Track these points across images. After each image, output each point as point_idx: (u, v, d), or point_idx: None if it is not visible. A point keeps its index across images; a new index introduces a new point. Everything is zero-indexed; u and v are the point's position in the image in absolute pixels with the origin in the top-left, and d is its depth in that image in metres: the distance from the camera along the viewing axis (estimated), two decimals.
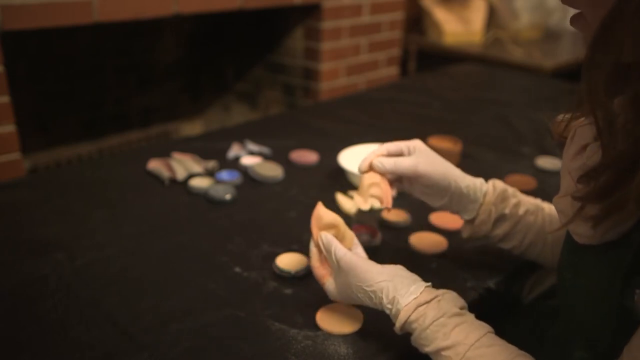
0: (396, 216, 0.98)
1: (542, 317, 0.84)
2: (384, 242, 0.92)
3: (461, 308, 0.63)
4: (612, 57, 0.47)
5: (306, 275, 0.82)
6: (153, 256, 0.87)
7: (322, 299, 0.77)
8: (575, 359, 0.64)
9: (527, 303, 0.94)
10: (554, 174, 1.19)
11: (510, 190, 0.80)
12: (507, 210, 0.78)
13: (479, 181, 0.79)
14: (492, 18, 2.89)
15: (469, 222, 0.80)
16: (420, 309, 0.62)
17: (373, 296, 0.65)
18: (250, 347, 0.68)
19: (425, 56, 2.79)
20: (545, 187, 1.13)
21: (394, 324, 0.64)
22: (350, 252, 0.69)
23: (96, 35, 1.99)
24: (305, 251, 0.87)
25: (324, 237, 0.71)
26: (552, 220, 0.79)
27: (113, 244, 0.89)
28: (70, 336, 0.69)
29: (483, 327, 0.61)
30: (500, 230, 0.79)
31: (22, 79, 1.83)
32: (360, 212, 1.02)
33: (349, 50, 2.17)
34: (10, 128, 1.30)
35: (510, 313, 0.91)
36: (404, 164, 0.77)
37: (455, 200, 0.78)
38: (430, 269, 0.86)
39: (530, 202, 0.80)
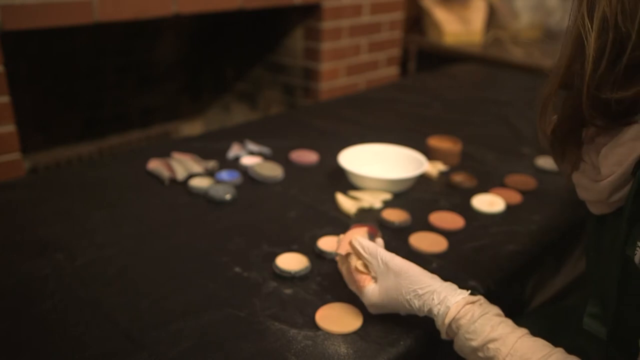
0: (396, 216, 0.98)
1: (542, 318, 0.84)
2: (384, 242, 0.91)
3: (500, 311, 0.66)
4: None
5: (306, 276, 0.82)
6: (153, 256, 0.87)
7: (322, 299, 0.77)
8: (587, 315, 0.66)
9: (531, 307, 0.94)
10: (554, 174, 1.19)
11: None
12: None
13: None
14: (492, 18, 2.88)
15: None
16: (468, 306, 0.65)
17: (425, 297, 0.67)
18: (250, 347, 0.68)
19: (425, 56, 2.79)
20: (545, 187, 1.13)
21: (438, 326, 0.66)
22: (394, 254, 0.71)
23: (96, 35, 1.99)
24: (305, 251, 0.87)
25: (365, 242, 0.72)
26: None
27: (113, 244, 0.89)
28: (70, 336, 0.69)
29: (522, 328, 0.63)
30: None
31: (22, 79, 1.83)
32: (360, 211, 1.02)
33: (349, 50, 2.17)
34: (10, 128, 1.30)
35: (510, 313, 0.91)
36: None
37: None
38: (430, 269, 0.85)
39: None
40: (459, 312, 0.64)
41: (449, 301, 0.65)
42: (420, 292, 0.67)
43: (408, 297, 0.67)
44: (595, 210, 0.62)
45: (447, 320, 0.65)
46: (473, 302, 0.65)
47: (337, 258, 0.78)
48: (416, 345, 0.70)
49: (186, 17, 2.22)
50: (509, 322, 0.63)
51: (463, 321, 0.64)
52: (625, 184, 0.56)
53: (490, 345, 0.61)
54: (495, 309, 0.65)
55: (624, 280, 0.57)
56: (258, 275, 0.82)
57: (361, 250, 0.72)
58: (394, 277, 0.69)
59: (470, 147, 1.31)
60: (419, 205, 1.03)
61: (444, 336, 0.66)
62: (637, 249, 0.53)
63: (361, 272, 0.72)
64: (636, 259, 0.54)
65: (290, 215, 1.00)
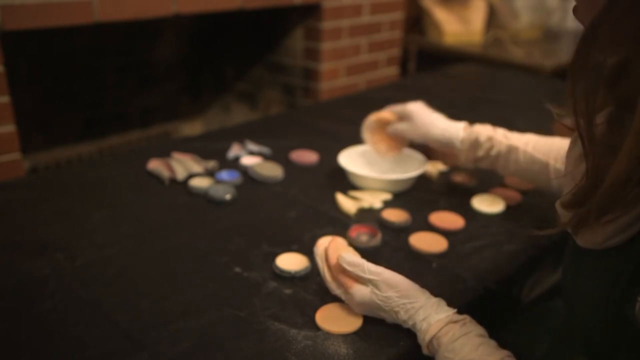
0: (396, 216, 0.98)
1: (542, 318, 0.84)
2: (384, 242, 0.92)
3: (484, 332, 0.65)
4: (599, 59, 0.47)
5: (306, 276, 0.82)
6: (153, 256, 0.87)
7: (322, 299, 0.77)
8: None
9: (527, 303, 0.94)
10: None
11: (484, 137, 0.98)
12: (480, 153, 0.98)
13: (455, 131, 1.00)
14: (492, 18, 2.88)
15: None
16: (450, 325, 0.65)
17: (411, 312, 0.67)
18: (250, 347, 0.68)
19: (425, 56, 2.79)
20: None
21: (420, 341, 0.67)
22: (382, 267, 0.71)
23: (96, 35, 1.99)
24: (305, 251, 0.87)
25: (347, 257, 0.72)
26: (526, 158, 0.94)
27: (113, 244, 0.89)
28: (70, 336, 0.69)
29: (505, 350, 0.63)
30: (483, 165, 1.00)
31: (22, 79, 1.83)
32: (360, 211, 1.02)
33: (349, 50, 2.17)
34: (10, 128, 1.30)
35: (510, 313, 0.91)
36: (399, 128, 1.08)
37: (443, 147, 1.03)
38: (430, 269, 0.86)
39: (504, 144, 0.96)
40: (440, 330, 0.64)
41: (432, 318, 0.66)
42: (408, 306, 0.67)
43: (396, 309, 0.68)
44: (582, 242, 0.57)
45: (427, 337, 0.65)
46: (456, 322, 0.65)
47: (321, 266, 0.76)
48: (416, 346, 0.70)
49: (186, 17, 2.22)
50: (492, 343, 0.63)
51: (444, 339, 0.64)
52: (628, 227, 0.51)
53: None
54: (478, 330, 0.65)
55: (619, 333, 0.55)
56: (258, 275, 0.82)
57: (348, 267, 0.71)
58: (383, 290, 0.69)
59: None
60: (419, 205, 1.03)
61: (425, 351, 0.66)
62: (637, 302, 0.51)
63: (346, 274, 0.72)
64: (636, 310, 0.51)
65: (290, 215, 1.00)
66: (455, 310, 0.67)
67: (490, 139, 0.97)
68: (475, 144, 0.98)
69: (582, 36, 0.48)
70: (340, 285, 0.73)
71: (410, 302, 0.67)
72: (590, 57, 0.48)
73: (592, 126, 0.49)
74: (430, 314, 0.66)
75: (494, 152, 0.97)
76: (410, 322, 0.67)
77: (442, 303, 0.68)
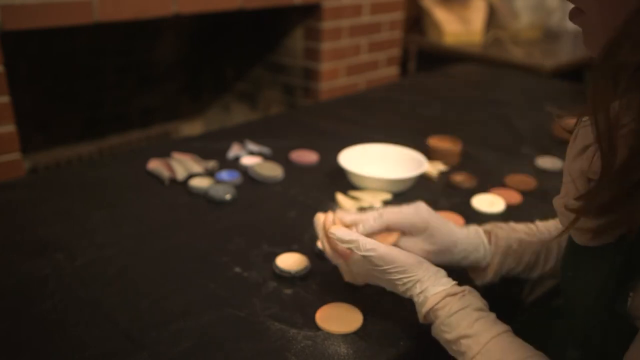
0: None
1: (542, 318, 0.84)
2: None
3: (484, 305, 0.65)
4: (628, 57, 0.45)
5: (306, 275, 0.82)
6: (153, 256, 0.87)
7: (322, 299, 0.77)
8: (566, 358, 0.64)
9: (527, 303, 0.94)
10: (554, 174, 1.19)
11: (515, 241, 0.77)
12: (512, 264, 0.78)
13: (478, 246, 0.77)
14: (492, 18, 2.88)
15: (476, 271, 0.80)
16: (448, 298, 0.64)
17: (409, 285, 0.66)
18: (250, 347, 0.68)
19: (425, 56, 2.79)
20: (545, 187, 1.13)
21: (417, 313, 0.67)
22: (377, 242, 0.68)
23: (96, 35, 1.99)
24: (305, 251, 0.87)
25: (339, 233, 0.69)
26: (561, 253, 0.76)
27: (113, 244, 0.89)
28: (70, 336, 0.69)
29: (503, 325, 0.62)
30: (511, 274, 0.80)
31: (22, 79, 1.83)
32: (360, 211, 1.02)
33: (349, 50, 2.17)
34: (10, 128, 1.30)
35: (510, 313, 0.91)
36: (408, 246, 0.75)
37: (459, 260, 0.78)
38: None
39: (534, 243, 0.77)
40: (437, 303, 0.64)
41: (429, 292, 0.65)
42: (405, 279, 0.67)
43: (395, 282, 0.67)
44: (579, 240, 0.56)
45: (424, 310, 0.65)
46: (455, 294, 0.64)
47: (319, 243, 0.75)
48: (416, 346, 0.70)
49: (186, 17, 2.22)
50: (491, 317, 0.62)
51: (440, 312, 0.63)
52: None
53: (463, 341, 0.60)
54: (477, 303, 0.64)
55: (611, 327, 0.55)
56: (258, 275, 0.82)
57: (341, 244, 0.69)
58: (380, 265, 0.67)
59: (470, 147, 1.31)
60: None
61: (422, 321, 0.66)
62: (629, 298, 0.51)
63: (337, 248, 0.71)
64: (627, 306, 0.51)
65: (290, 215, 1.00)
66: (455, 282, 0.66)
67: (520, 241, 0.77)
68: (506, 253, 0.77)
69: (614, 35, 0.46)
70: (340, 255, 0.72)
71: (407, 277, 0.66)
72: (619, 55, 0.46)
73: (614, 121, 0.47)
74: (427, 287, 0.65)
75: (526, 257, 0.78)
76: (408, 294, 0.67)
77: (442, 274, 0.67)
